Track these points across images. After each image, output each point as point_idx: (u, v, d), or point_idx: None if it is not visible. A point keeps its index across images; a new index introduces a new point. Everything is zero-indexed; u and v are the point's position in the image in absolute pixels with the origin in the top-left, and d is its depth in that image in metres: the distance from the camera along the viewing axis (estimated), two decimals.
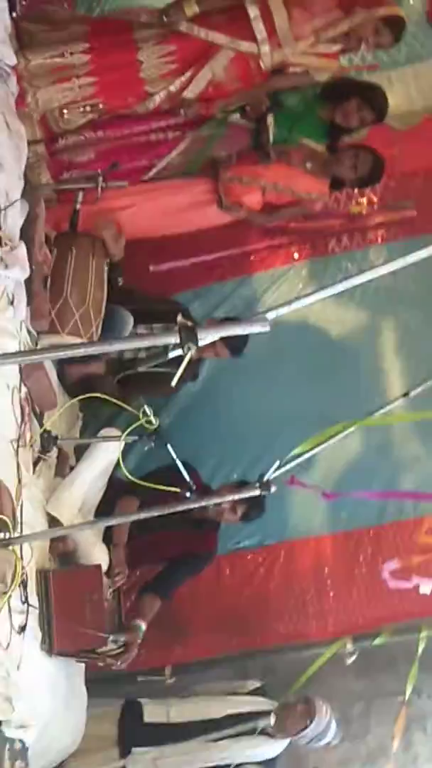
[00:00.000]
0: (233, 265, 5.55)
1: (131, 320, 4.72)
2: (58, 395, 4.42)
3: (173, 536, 4.71)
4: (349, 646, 5.11)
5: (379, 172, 5.11)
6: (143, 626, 4.44)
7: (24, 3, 4.17)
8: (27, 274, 3.87)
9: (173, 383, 2.50)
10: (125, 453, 4.73)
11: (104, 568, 4.30)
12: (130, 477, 3.70)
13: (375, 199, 5.60)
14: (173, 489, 3.85)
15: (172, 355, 2.47)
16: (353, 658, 5.16)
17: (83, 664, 4.21)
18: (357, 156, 5.00)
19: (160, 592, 4.62)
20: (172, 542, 4.74)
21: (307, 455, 3.32)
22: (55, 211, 4.55)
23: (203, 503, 3.99)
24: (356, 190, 5.51)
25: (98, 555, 4.32)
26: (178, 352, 2.33)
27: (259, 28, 4.47)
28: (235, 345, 4.86)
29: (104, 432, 4.56)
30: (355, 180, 5.11)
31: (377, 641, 5.14)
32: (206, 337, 2.36)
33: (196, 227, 5.06)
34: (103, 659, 4.08)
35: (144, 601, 4.60)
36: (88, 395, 4.04)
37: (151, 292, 5.20)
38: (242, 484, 4.36)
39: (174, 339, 2.33)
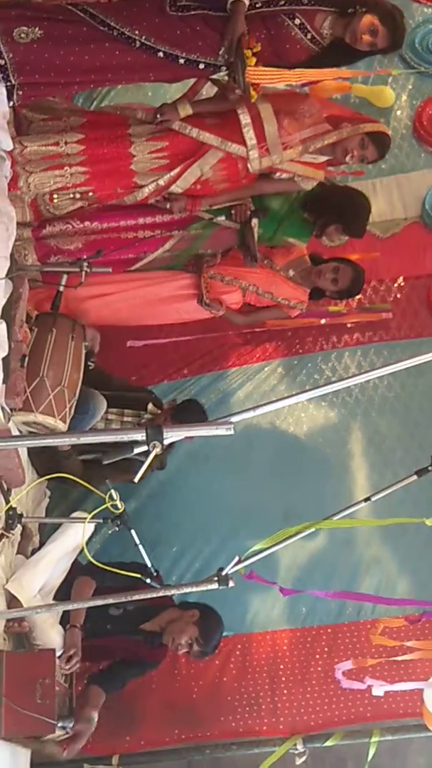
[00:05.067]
0: (210, 359, 5.62)
1: (104, 405, 4.75)
2: (27, 472, 4.43)
3: (124, 643, 4.69)
4: (300, 747, 5.03)
5: (359, 285, 5.25)
6: (95, 717, 4.42)
7: (20, 93, 4.26)
8: (5, 352, 3.92)
9: (136, 480, 2.54)
10: (89, 536, 4.74)
11: (58, 651, 4.28)
12: (92, 560, 3.71)
13: (353, 302, 5.70)
14: (134, 574, 3.85)
15: (137, 451, 2.51)
16: (303, 759, 5.08)
17: (29, 749, 4.16)
18: (338, 270, 5.14)
19: (105, 687, 4.61)
20: (120, 648, 4.72)
21: (265, 552, 3.33)
22: (39, 292, 4.63)
23: (164, 593, 4.01)
24: None
25: (54, 637, 4.29)
26: (144, 448, 2.38)
27: (250, 135, 4.58)
28: None
29: (74, 515, 4.58)
30: (335, 292, 5.24)
31: (328, 743, 5.07)
32: (172, 436, 2.41)
33: (175, 320, 5.16)
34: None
35: (91, 692, 4.59)
36: (56, 475, 4.05)
37: (127, 379, 5.26)
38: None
39: (140, 435, 2.38)
